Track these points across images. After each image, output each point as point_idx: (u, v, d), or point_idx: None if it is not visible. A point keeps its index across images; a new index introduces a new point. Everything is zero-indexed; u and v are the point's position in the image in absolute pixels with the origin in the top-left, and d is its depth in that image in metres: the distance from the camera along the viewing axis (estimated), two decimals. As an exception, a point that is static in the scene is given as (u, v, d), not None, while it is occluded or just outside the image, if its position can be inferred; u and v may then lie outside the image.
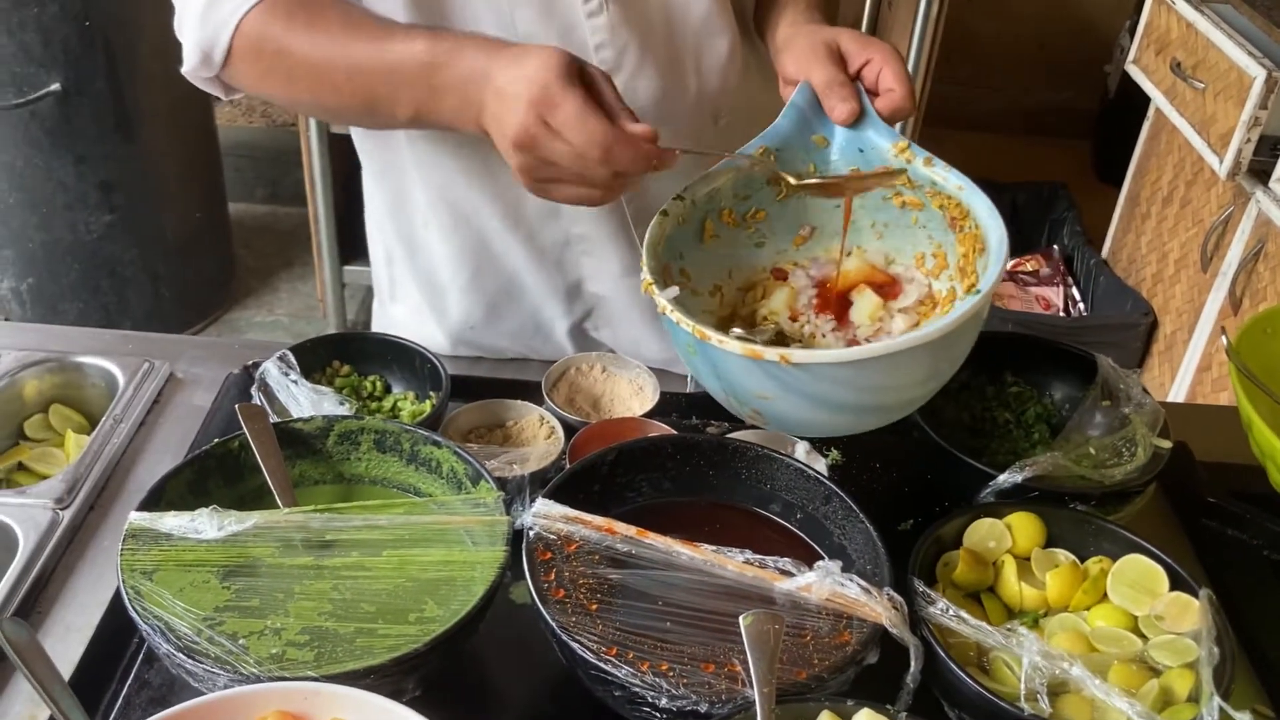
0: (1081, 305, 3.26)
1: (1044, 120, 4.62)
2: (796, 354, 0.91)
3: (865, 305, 1.07)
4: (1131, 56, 2.92)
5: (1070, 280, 3.33)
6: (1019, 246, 3.51)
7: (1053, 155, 4.50)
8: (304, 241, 3.53)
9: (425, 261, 1.42)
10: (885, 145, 1.07)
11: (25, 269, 3.02)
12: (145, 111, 2.97)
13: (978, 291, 0.95)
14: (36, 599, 1.07)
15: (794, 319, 1.09)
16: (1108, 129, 4.18)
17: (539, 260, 1.37)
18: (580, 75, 0.99)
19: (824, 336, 1.09)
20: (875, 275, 1.10)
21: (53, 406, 1.35)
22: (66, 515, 1.14)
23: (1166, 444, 1.17)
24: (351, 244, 3.25)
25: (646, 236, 1.05)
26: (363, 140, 1.37)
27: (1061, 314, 3.24)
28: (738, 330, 1.02)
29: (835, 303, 1.10)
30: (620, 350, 1.45)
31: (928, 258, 1.10)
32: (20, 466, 1.29)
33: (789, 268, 1.15)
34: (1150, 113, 3.01)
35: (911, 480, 1.26)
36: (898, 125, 1.13)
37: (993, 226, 1.00)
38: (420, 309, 1.47)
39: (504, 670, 1.04)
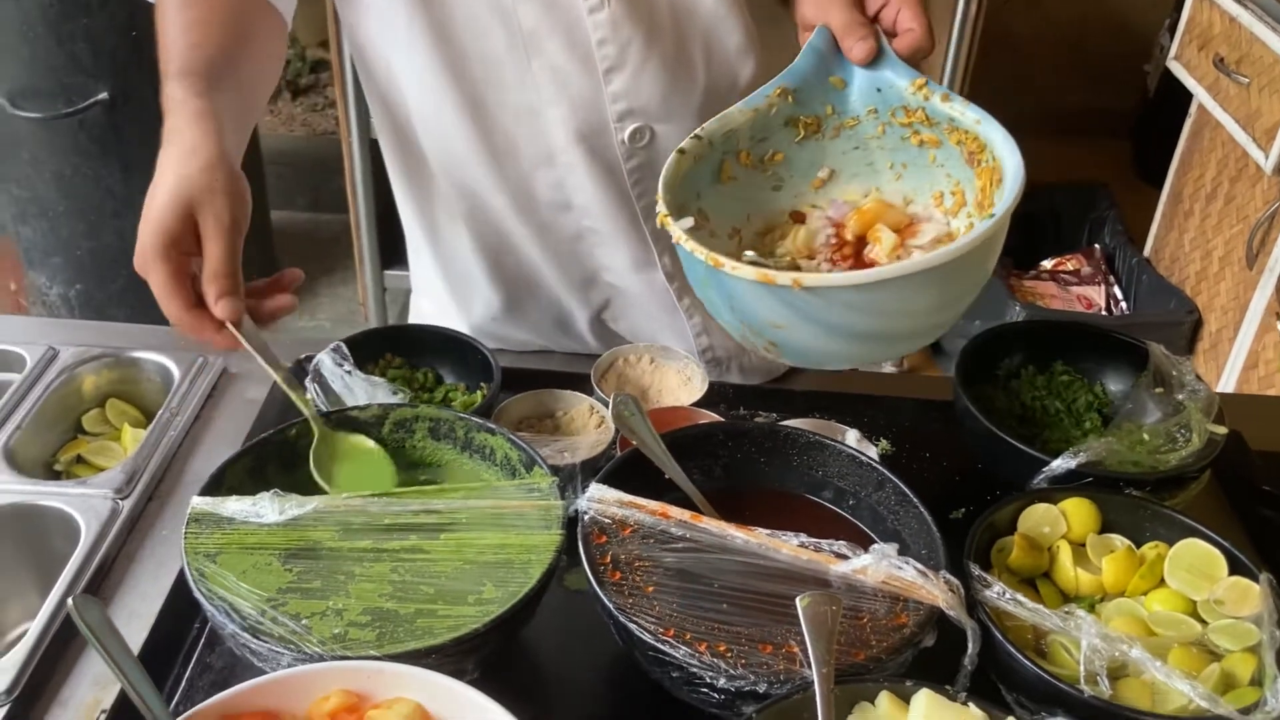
0: (1124, 304, 3.23)
1: (1082, 121, 4.58)
2: (809, 278, 0.89)
3: (885, 243, 1.04)
4: (1173, 53, 2.90)
5: (1112, 279, 3.30)
6: (1060, 247, 3.49)
7: (1091, 156, 4.46)
8: (344, 248, 3.56)
9: (448, 253, 1.43)
10: (903, 83, 1.05)
11: (74, 275, 3.06)
12: (190, 119, 3.00)
13: (992, 216, 0.92)
14: (99, 586, 1.09)
15: (810, 257, 1.07)
16: (1147, 128, 4.15)
17: (554, 251, 1.37)
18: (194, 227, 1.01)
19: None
20: (892, 215, 1.07)
21: (109, 401, 1.37)
22: (126, 505, 1.16)
23: (1222, 430, 1.16)
24: (392, 249, 3.28)
25: (663, 173, 1.02)
26: (386, 135, 1.38)
27: (1104, 313, 3.22)
28: (750, 254, 0.99)
29: (853, 243, 1.07)
30: (636, 336, 1.45)
31: (946, 196, 1.07)
32: (79, 459, 1.31)
33: (807, 210, 1.12)
34: (1193, 109, 2.99)
35: (962, 469, 1.26)
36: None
37: (1009, 155, 0.97)
38: (444, 302, 1.48)
39: (558, 656, 1.05)
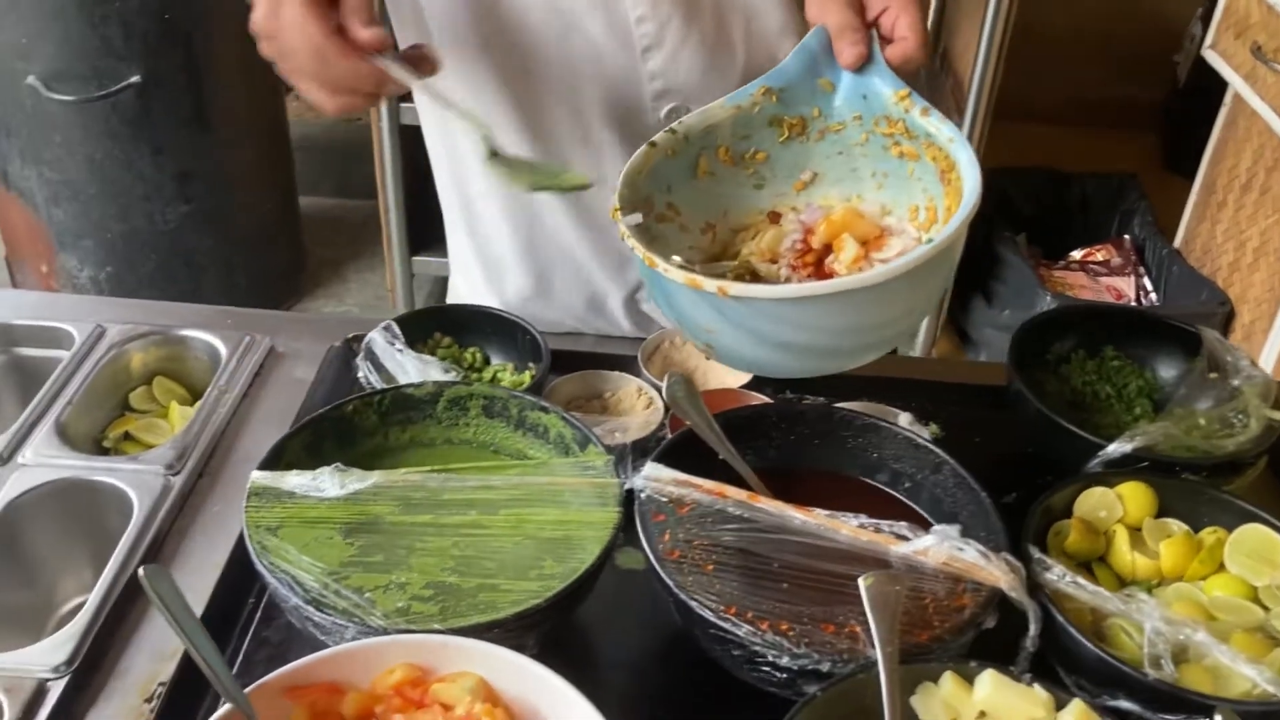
0: (1154, 295, 3.21)
1: (1111, 112, 4.55)
2: (734, 287, 0.89)
3: (846, 253, 1.04)
4: (1208, 42, 2.87)
5: (1142, 270, 3.28)
6: (1089, 237, 3.47)
7: (1119, 147, 4.43)
8: (372, 234, 3.56)
9: (483, 230, 1.42)
10: (887, 92, 1.04)
11: (104, 258, 3.07)
12: (221, 104, 3.01)
13: (929, 241, 0.91)
14: (153, 561, 1.09)
15: (773, 261, 1.08)
16: (1177, 119, 4.12)
17: (587, 228, 1.37)
18: None
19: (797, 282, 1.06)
20: (862, 226, 1.07)
21: (156, 379, 1.37)
22: (177, 481, 1.16)
23: None
24: (420, 235, 3.28)
25: (627, 165, 1.03)
26: (427, 112, 1.38)
27: (1133, 304, 3.20)
28: (678, 259, 0.98)
29: (818, 251, 1.07)
30: (669, 322, 1.45)
31: (921, 210, 1.07)
32: (126, 436, 1.32)
33: (786, 211, 1.12)
34: (1228, 98, 2.96)
35: (1013, 454, 1.25)
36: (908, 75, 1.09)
37: (968, 178, 0.96)
38: (477, 281, 1.48)
39: (612, 635, 1.05)
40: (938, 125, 1.01)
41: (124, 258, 3.08)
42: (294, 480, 0.95)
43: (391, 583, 0.91)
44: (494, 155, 1.03)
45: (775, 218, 1.11)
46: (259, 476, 0.96)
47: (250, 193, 3.23)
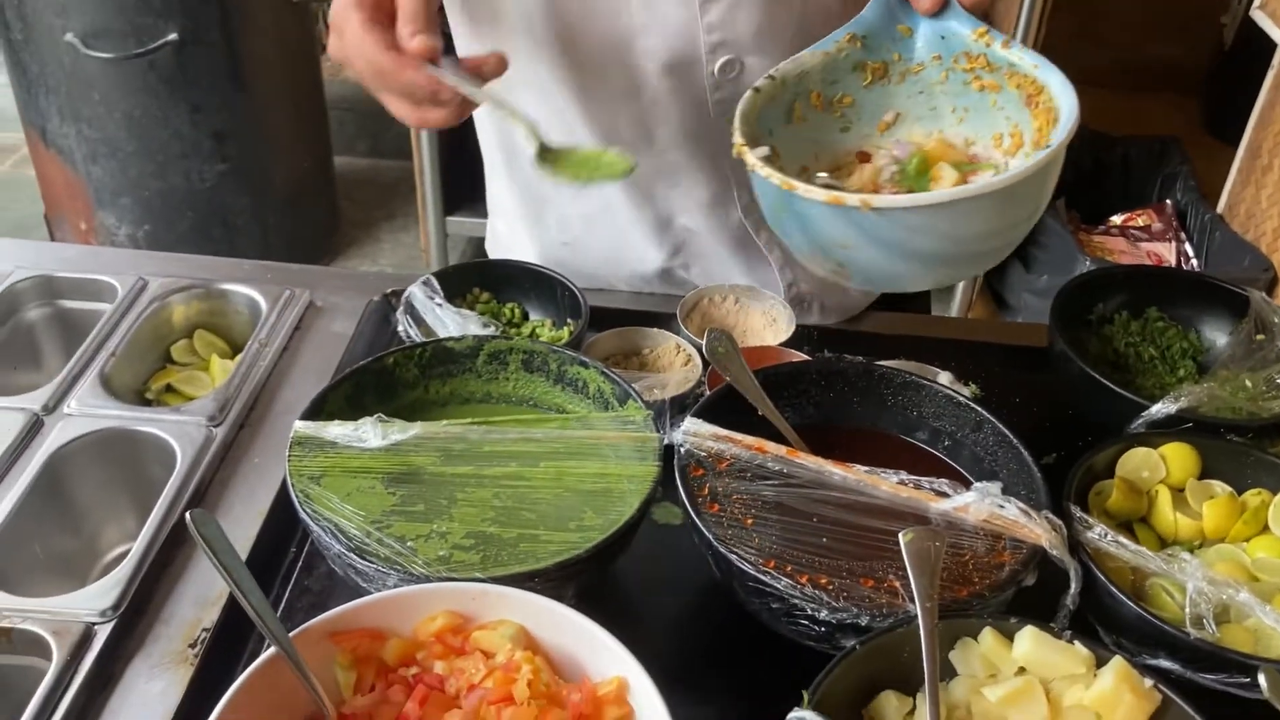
0: (1195, 261, 3.17)
1: (1152, 75, 4.48)
2: (876, 199, 0.93)
3: (946, 179, 1.07)
4: (1257, 2, 2.81)
5: (1183, 236, 3.24)
6: (1130, 201, 3.42)
7: (1161, 111, 4.36)
8: (405, 194, 3.57)
9: (523, 179, 1.42)
10: (966, 31, 1.08)
11: (142, 216, 3.09)
12: (257, 62, 3.02)
13: (1048, 145, 0.96)
14: (199, 505, 1.10)
15: (876, 192, 1.09)
16: (1221, 83, 4.05)
17: (630, 189, 1.37)
18: None
19: None
20: (953, 155, 1.10)
21: (197, 332, 1.39)
22: (219, 432, 1.18)
23: (1326, 379, 1.13)
24: (454, 195, 3.28)
25: (739, 107, 1.06)
26: (470, 46, 1.37)
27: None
28: (823, 175, 1.04)
29: (915, 179, 1.10)
30: (707, 280, 1.44)
31: (1005, 138, 1.10)
32: (168, 388, 1.33)
33: (873, 151, 1.14)
34: (1276, 60, 2.90)
35: (1053, 414, 1.24)
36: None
37: (1064, 95, 1.00)
38: (516, 223, 1.48)
39: (649, 589, 1.05)
40: (1020, 54, 1.05)
41: (161, 216, 3.10)
42: (336, 430, 0.96)
43: (433, 532, 0.91)
44: (543, 152, 1.04)
45: (864, 157, 1.14)
46: (301, 426, 0.97)
47: (285, 152, 3.24)
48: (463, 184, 3.31)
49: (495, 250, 1.56)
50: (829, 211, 0.94)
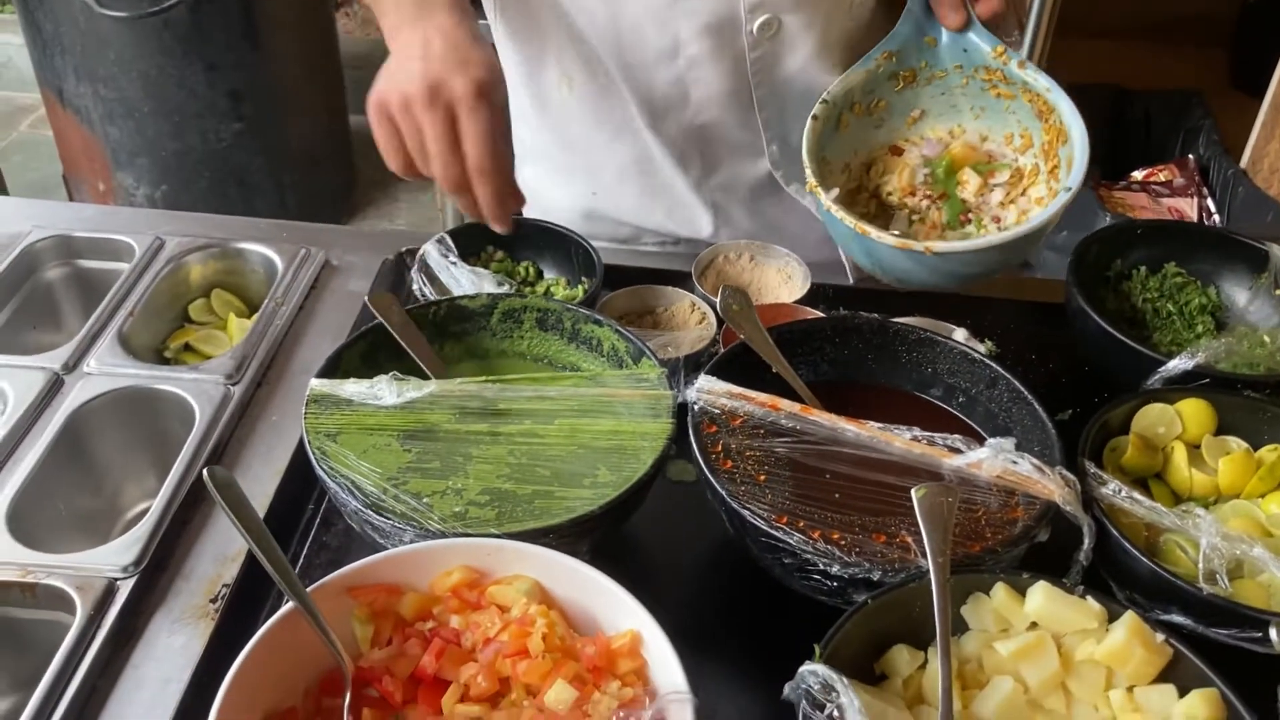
0: (1217, 217, 3.14)
1: (1177, 27, 4.41)
2: (938, 245, 1.11)
3: (971, 185, 1.25)
4: (1285, -48, 2.76)
5: (1205, 191, 3.20)
6: (1151, 156, 3.39)
7: (1186, 63, 4.29)
8: (422, 153, 3.56)
9: (553, 116, 1.41)
10: (985, 48, 1.22)
11: (159, 176, 3.10)
12: (272, 20, 3.01)
13: (1068, 189, 1.13)
14: (218, 462, 1.11)
15: (912, 194, 1.27)
16: (1247, 34, 3.98)
17: (664, 144, 1.37)
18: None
19: (938, 210, 1.27)
20: (974, 157, 1.27)
21: (214, 291, 1.39)
22: (237, 390, 1.18)
23: (1346, 334, 1.12)
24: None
25: (804, 143, 1.20)
26: (503, 2, 1.36)
27: (1196, 225, 3.13)
28: (895, 231, 1.19)
29: (944, 181, 1.27)
30: (738, 238, 1.44)
31: (1015, 137, 1.26)
32: (187, 347, 1.34)
33: (903, 144, 1.31)
34: (1302, 12, 2.86)
35: (1069, 371, 1.24)
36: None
37: (1074, 123, 1.16)
38: (542, 170, 1.48)
39: (664, 545, 1.06)
40: (1034, 75, 1.20)
41: (178, 175, 3.10)
42: (351, 388, 0.97)
43: (449, 488, 0.92)
44: None
45: (897, 150, 1.31)
46: (317, 384, 0.97)
47: (301, 111, 3.24)
48: (479, 142, 3.30)
49: (530, 200, 1.56)
50: (896, 251, 1.12)
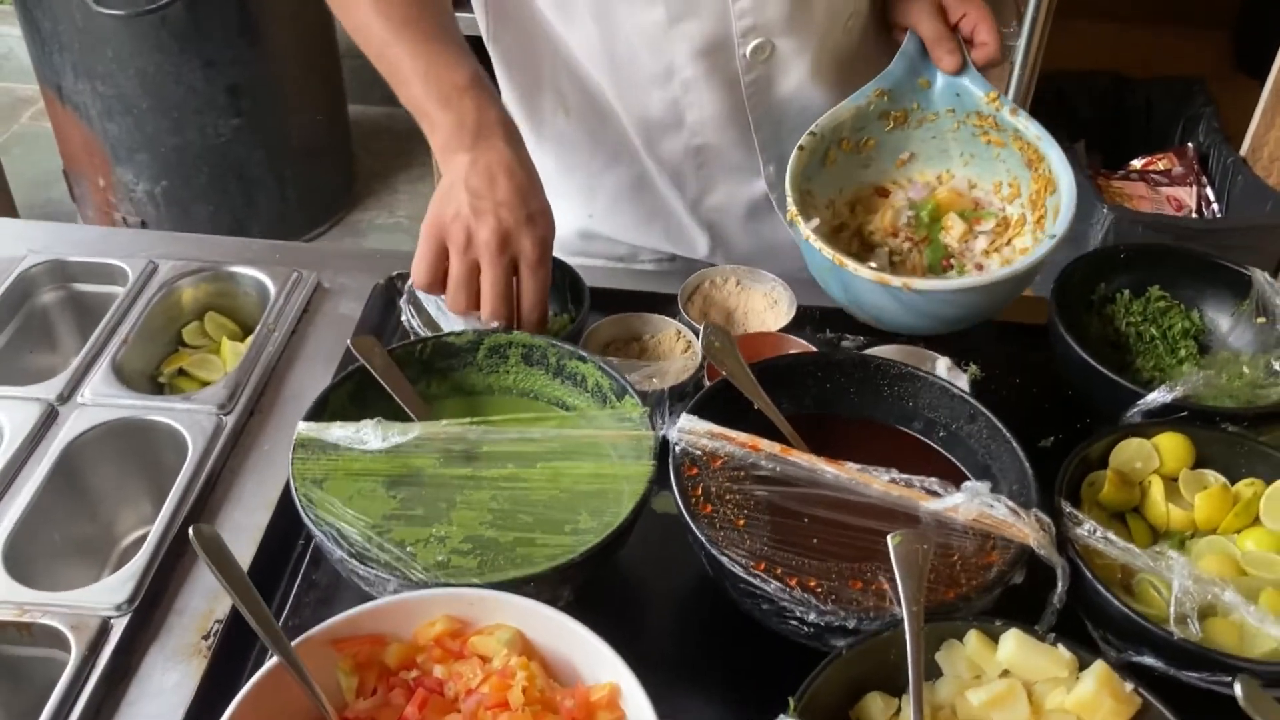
0: (1216, 206, 3.13)
1: (1180, 8, 4.38)
2: (916, 282, 1.12)
3: (955, 230, 1.28)
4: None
5: (1205, 180, 3.19)
6: (1151, 144, 3.37)
7: (1189, 45, 4.27)
8: (421, 143, 3.53)
9: (554, 143, 1.42)
10: (979, 94, 1.25)
11: (159, 172, 3.11)
12: (269, 15, 3.01)
13: (1052, 236, 1.15)
14: (206, 501, 1.13)
15: (894, 235, 1.29)
16: (1251, 16, 3.96)
17: (660, 169, 1.38)
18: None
19: (919, 254, 1.30)
20: (961, 203, 1.29)
21: (208, 314, 1.41)
22: (230, 420, 1.20)
23: (1325, 364, 1.13)
24: (469, 146, 3.27)
25: (788, 171, 1.21)
26: (498, 29, 1.37)
27: (1194, 215, 3.12)
28: (872, 264, 1.19)
29: (928, 225, 1.30)
30: (732, 260, 1.45)
31: (1004, 186, 1.28)
32: (181, 372, 1.35)
33: (890, 186, 1.33)
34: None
35: (1052, 396, 1.25)
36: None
37: (1063, 172, 1.19)
38: (546, 192, 1.49)
39: (648, 578, 1.08)
40: (1025, 123, 1.23)
41: (177, 171, 3.11)
42: (338, 432, 0.98)
43: (432, 536, 0.94)
44: None
45: (883, 191, 1.32)
46: (304, 428, 0.99)
47: (300, 104, 3.24)
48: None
49: None
50: (873, 285, 1.13)
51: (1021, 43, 2.90)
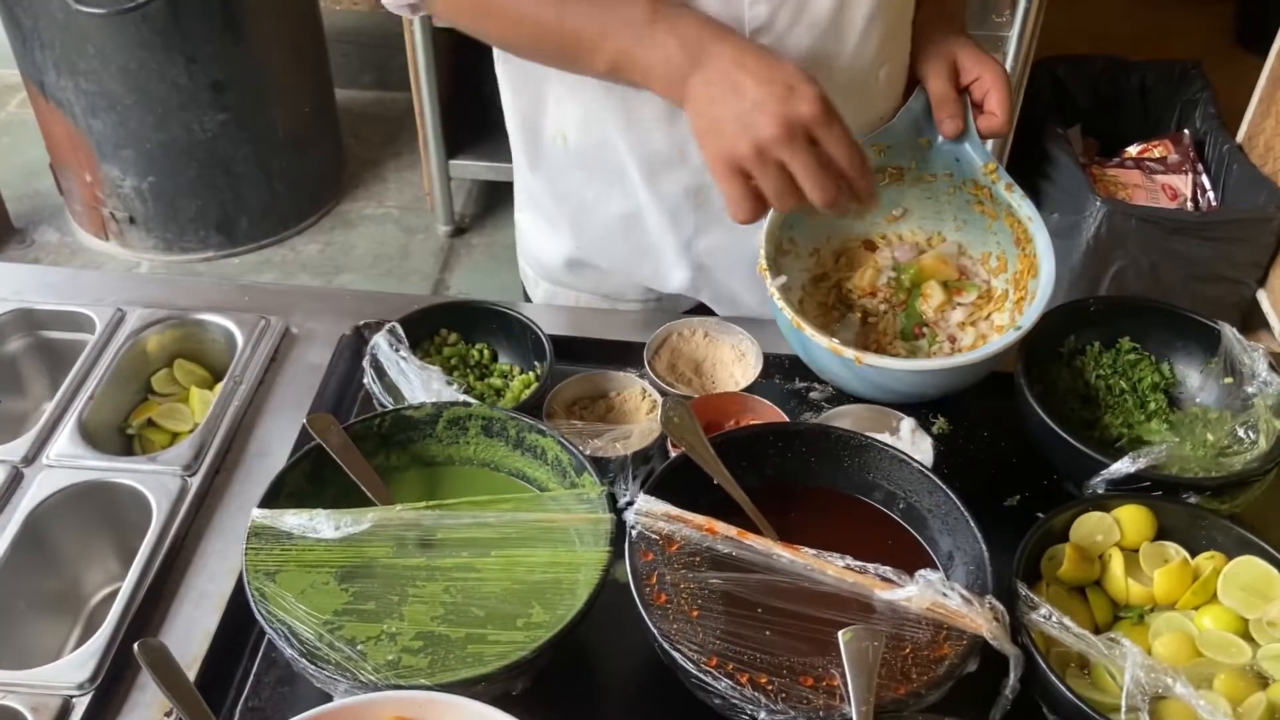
0: (1211, 194, 3.10)
1: (1182, -21, 4.32)
2: (869, 357, 1.13)
3: (934, 300, 1.26)
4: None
5: (1200, 168, 3.16)
6: (1147, 129, 3.34)
7: (1190, 18, 4.22)
8: (411, 129, 3.52)
9: (550, 170, 1.40)
10: (978, 163, 1.22)
11: (145, 168, 3.09)
12: (252, 9, 2.97)
13: (1018, 328, 1.14)
14: (172, 565, 1.13)
15: (873, 295, 1.29)
16: (1256, -10, 3.90)
17: (657, 203, 1.35)
18: None
19: (893, 317, 1.31)
20: (945, 271, 1.28)
21: (176, 362, 1.40)
22: (195, 482, 1.20)
23: (1291, 428, 1.12)
24: (458, 137, 3.25)
25: (766, 224, 1.19)
26: (510, 66, 1.34)
27: (1189, 204, 3.09)
28: (835, 340, 1.17)
29: (908, 290, 1.29)
30: (718, 301, 1.44)
31: (992, 258, 1.27)
32: (150, 422, 1.35)
33: (878, 241, 1.32)
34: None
35: (1020, 451, 1.24)
36: (990, 145, 1.28)
37: (1046, 260, 1.17)
38: (536, 219, 1.47)
39: (608, 649, 1.07)
40: (1019, 202, 1.21)
41: (164, 167, 3.09)
42: (292, 520, 0.98)
43: (383, 633, 0.94)
44: None
45: (870, 246, 1.31)
46: (259, 515, 0.99)
47: (285, 96, 3.21)
48: (466, 127, 3.27)
49: (520, 243, 1.56)
50: (828, 353, 1.14)
51: (1015, 29, 2.86)
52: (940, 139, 1.23)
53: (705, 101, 1.04)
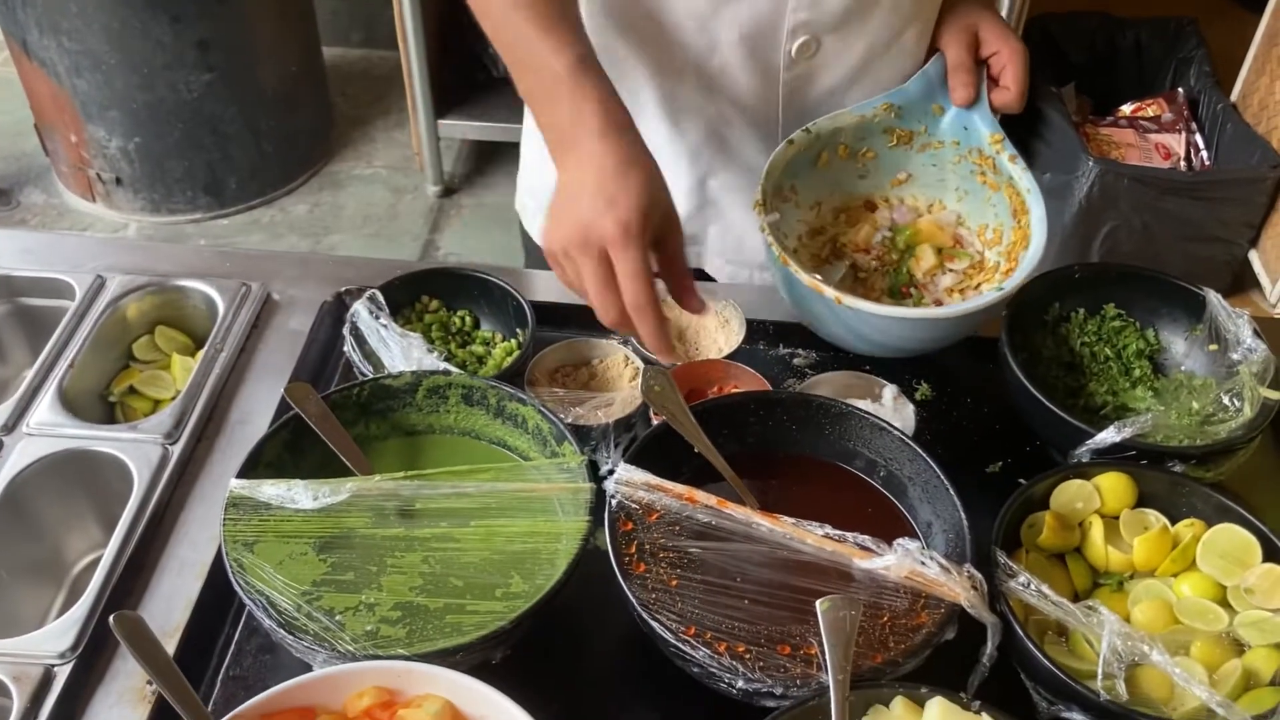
0: (1205, 154, 3.09)
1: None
2: (846, 298, 1.12)
3: (925, 262, 1.27)
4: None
5: (1194, 127, 3.14)
6: (1141, 88, 3.31)
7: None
8: (400, 87, 3.49)
9: None
10: (985, 132, 1.23)
11: (131, 129, 3.06)
12: (236, -34, 2.94)
13: (999, 289, 1.14)
14: (153, 536, 1.13)
15: (865, 251, 1.30)
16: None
17: (676, 145, 1.33)
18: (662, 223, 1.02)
19: (882, 277, 1.30)
20: (940, 237, 1.28)
21: (158, 328, 1.39)
22: (176, 450, 1.19)
23: (1276, 395, 1.12)
24: (447, 96, 3.22)
25: (769, 159, 1.20)
26: None
27: (1183, 163, 3.08)
28: (817, 276, 1.16)
29: (901, 251, 1.30)
30: (725, 246, 1.42)
31: (989, 230, 1.28)
32: (131, 389, 1.35)
33: (879, 201, 1.32)
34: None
35: (1003, 416, 1.24)
36: (999, 118, 1.27)
37: (1038, 231, 1.17)
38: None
39: (587, 618, 1.07)
40: (1020, 174, 1.22)
41: (150, 128, 3.06)
42: (270, 490, 0.98)
43: (361, 604, 0.94)
44: None
45: (871, 206, 1.32)
46: (236, 485, 0.98)
47: (272, 55, 3.18)
48: (454, 86, 3.24)
49: (521, 176, 1.54)
50: (810, 291, 1.14)
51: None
52: (952, 106, 1.25)
53: (562, 185, 1.04)
